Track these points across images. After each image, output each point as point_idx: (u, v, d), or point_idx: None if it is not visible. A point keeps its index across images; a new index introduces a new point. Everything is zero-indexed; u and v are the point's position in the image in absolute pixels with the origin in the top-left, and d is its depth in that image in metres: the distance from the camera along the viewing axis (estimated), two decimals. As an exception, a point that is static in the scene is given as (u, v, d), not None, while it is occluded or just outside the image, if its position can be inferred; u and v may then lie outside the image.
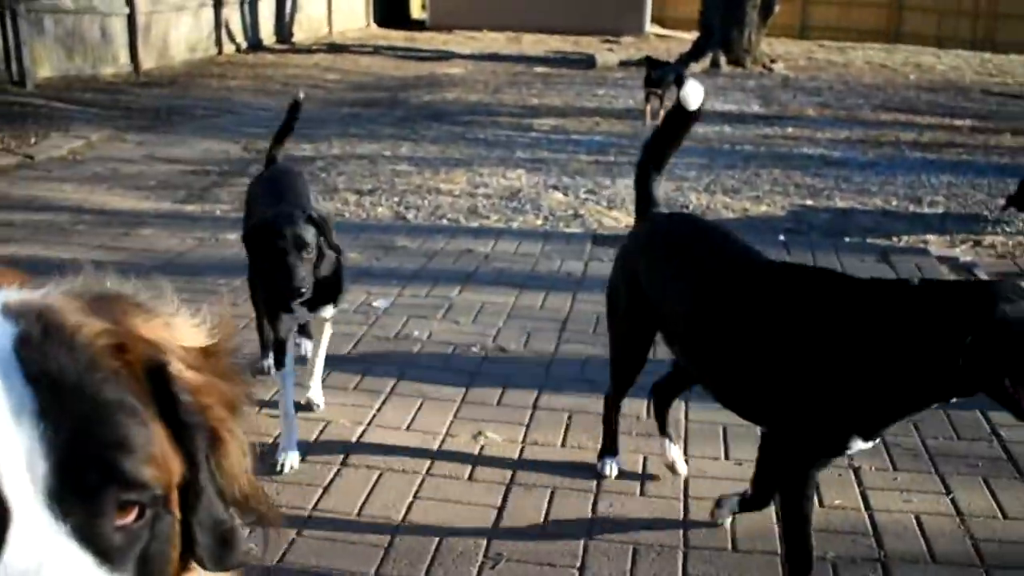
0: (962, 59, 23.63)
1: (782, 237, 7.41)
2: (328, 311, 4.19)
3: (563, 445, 4.17)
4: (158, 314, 1.10)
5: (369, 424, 4.29)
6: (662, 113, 12.57)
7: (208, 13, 18.03)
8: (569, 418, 4.40)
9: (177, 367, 1.02)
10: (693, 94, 3.68)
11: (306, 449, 4.04)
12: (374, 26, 25.29)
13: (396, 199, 8.22)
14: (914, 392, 2.79)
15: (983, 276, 6.66)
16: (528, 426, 4.31)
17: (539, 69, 18.13)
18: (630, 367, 3.79)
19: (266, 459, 3.87)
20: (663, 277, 3.51)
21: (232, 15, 18.98)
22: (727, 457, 4.10)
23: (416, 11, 28.29)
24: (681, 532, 3.55)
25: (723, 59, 19.10)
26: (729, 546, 3.48)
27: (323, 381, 4.58)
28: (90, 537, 0.90)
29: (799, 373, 2.95)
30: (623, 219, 7.90)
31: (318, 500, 3.69)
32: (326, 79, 16.09)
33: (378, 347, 5.10)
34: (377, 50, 20.27)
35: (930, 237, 7.89)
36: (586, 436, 4.21)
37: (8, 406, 0.88)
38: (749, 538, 3.52)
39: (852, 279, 3.03)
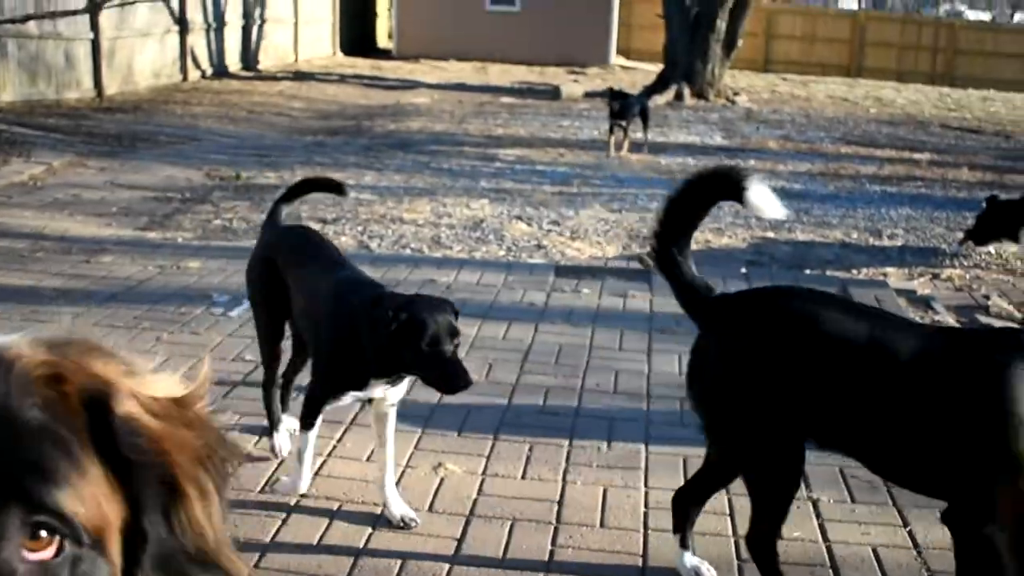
0: (921, 93, 24.03)
1: (743, 269, 7.47)
2: (403, 388, 3.83)
3: (523, 477, 4.16)
4: (123, 361, 1.04)
5: (329, 455, 4.27)
6: (626, 144, 12.71)
7: (173, 39, 18.01)
8: (530, 450, 4.39)
9: (128, 407, 0.97)
10: (769, 207, 3.24)
11: (260, 484, 4.02)
12: (340, 55, 25.34)
13: (359, 228, 8.21)
14: None
15: (940, 309, 6.76)
16: (488, 457, 4.30)
17: (505, 99, 18.23)
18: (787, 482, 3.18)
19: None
20: (814, 375, 2.97)
21: (198, 42, 18.96)
22: (687, 489, 4.10)
23: (383, 40, 28.38)
24: (640, 563, 3.56)
25: (687, 91, 19.31)
26: (688, 577, 3.48)
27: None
28: None
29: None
30: (586, 250, 7.94)
31: (277, 531, 3.66)
32: (291, 107, 16.09)
33: (339, 377, 5.07)
34: (343, 78, 20.31)
35: (889, 270, 7.99)
36: (547, 468, 4.21)
37: None
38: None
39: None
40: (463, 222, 8.60)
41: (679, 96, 19.16)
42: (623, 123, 12.47)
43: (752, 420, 3.06)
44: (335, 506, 3.85)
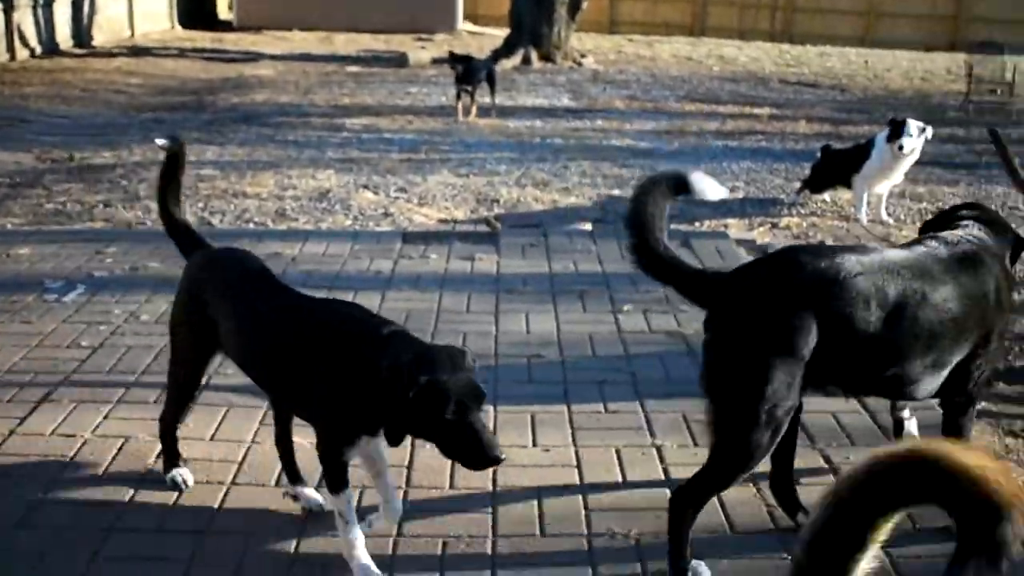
0: (762, 50, 24.63)
1: (589, 227, 7.56)
2: None
3: (372, 444, 4.13)
4: None
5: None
6: (474, 109, 12.69)
7: (-3, 17, 17.15)
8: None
9: None
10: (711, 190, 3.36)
11: (104, 468, 3.89)
12: (179, 28, 24.55)
13: (201, 204, 8.00)
14: None
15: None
16: (336, 427, 4.25)
17: (351, 68, 17.98)
18: None
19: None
20: (853, 316, 3.09)
21: (25, 18, 18.08)
22: (535, 444, 4.15)
23: (223, 11, 27.60)
24: (490, 521, 3.58)
25: (534, 55, 19.38)
26: (537, 531, 3.52)
27: (121, 398, 4.44)
28: None
29: None
30: (434, 215, 7.92)
31: (117, 518, 3.55)
32: (128, 84, 15.52)
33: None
34: (182, 52, 19.69)
35: (730, 221, 8.21)
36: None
37: None
38: (557, 522, 3.57)
39: None
40: (308, 193, 8.46)
41: (526, 60, 19.21)
42: (469, 88, 12.44)
43: (779, 387, 3.05)
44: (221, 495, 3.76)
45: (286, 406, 3.60)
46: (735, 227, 8.03)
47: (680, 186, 3.31)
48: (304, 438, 3.73)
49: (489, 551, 3.40)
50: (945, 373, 3.32)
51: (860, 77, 20.07)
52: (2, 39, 17.31)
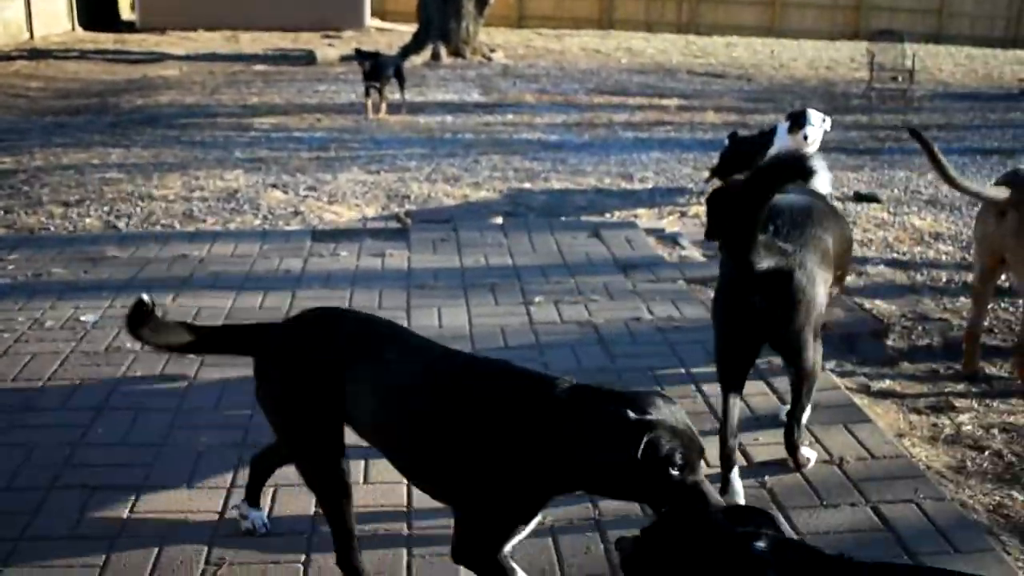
0: (669, 42, 24.97)
1: (499, 220, 7.60)
2: None
3: (285, 443, 4.12)
4: None
5: (80, 442, 4.09)
6: (383, 106, 12.65)
7: None
8: (291, 415, 4.34)
9: None
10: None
11: (10, 476, 3.82)
12: (80, 29, 24.00)
13: (106, 208, 7.85)
14: None
15: (687, 244, 7.08)
16: (247, 429, 4.23)
17: (258, 67, 17.77)
18: None
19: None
20: None
21: (-84, 23, 17.56)
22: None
23: (125, 11, 27.04)
24: (405, 515, 3.59)
25: (443, 50, 19.38)
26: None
27: (27, 405, 4.36)
28: None
29: None
30: (344, 213, 7.89)
31: (26, 526, 3.49)
32: (28, 87, 15.15)
33: (87, 362, 4.87)
34: (84, 54, 19.26)
35: (640, 211, 8.32)
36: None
37: None
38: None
39: None
40: (216, 194, 8.36)
41: (436, 55, 19.21)
42: (377, 84, 12.40)
43: None
44: (87, 495, 3.70)
45: (434, 494, 2.89)
46: (644, 216, 8.15)
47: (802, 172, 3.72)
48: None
49: (404, 554, 3.42)
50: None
51: (766, 67, 20.45)
52: None
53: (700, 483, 2.40)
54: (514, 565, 2.73)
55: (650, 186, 9.32)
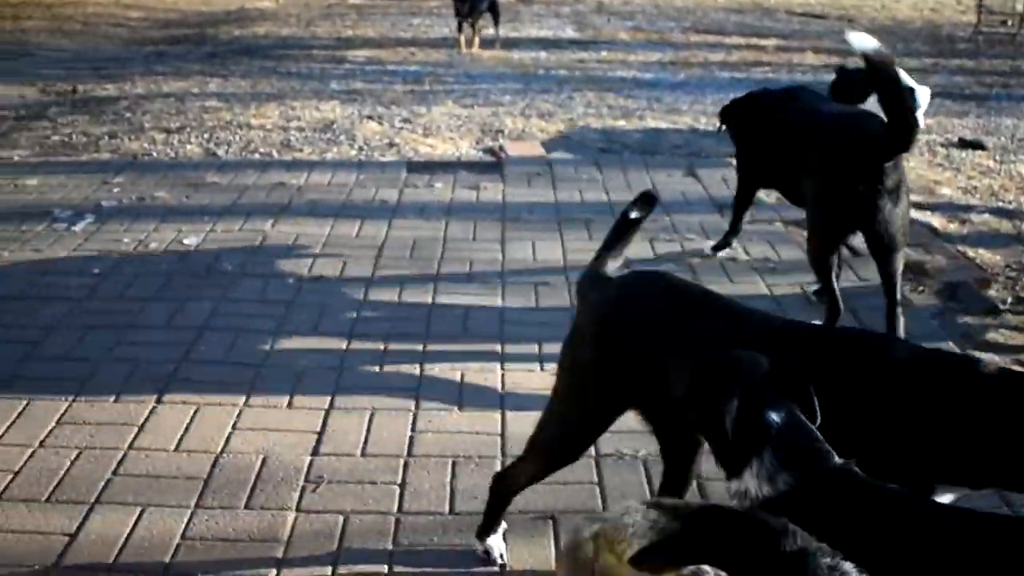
0: (767, -19, 24.33)
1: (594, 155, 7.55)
2: None
3: (381, 369, 4.19)
4: None
5: (183, 360, 4.21)
6: (476, 41, 12.59)
7: (-4, -50, 16.95)
8: (386, 341, 4.41)
9: None
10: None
11: (117, 390, 3.95)
12: (179, -39, 24.24)
13: (205, 136, 7.98)
14: None
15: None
16: (346, 350, 4.31)
17: (353, 1, 17.80)
18: None
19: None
20: None
21: (22, -48, 17.89)
22: (543, 369, 4.19)
23: (223, -56, 27.21)
24: (499, 443, 3.63)
25: (537, -14, 19.16)
26: (545, 452, 3.58)
27: (130, 323, 4.50)
28: None
29: None
30: (439, 146, 7.90)
31: (133, 439, 3.61)
32: (129, 17, 15.39)
33: (191, 283, 4.99)
34: (183, -15, 19.47)
35: (736, 151, 8.17)
36: (403, 357, 4.25)
37: None
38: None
39: None
40: (313, 124, 8.43)
41: (530, -9, 19.01)
42: (470, 20, 12.37)
43: None
44: (191, 411, 3.81)
45: None
46: (740, 157, 8.01)
47: None
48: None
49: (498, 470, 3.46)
50: None
51: (868, 8, 19.85)
52: (0, -28, 17.14)
53: None
54: None
55: (746, 126, 9.14)
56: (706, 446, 2.27)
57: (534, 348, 4.37)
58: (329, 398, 3.92)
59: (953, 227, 6.15)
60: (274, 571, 2.93)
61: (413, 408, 3.86)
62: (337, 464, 3.48)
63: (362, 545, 3.06)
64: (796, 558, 1.81)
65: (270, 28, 14.38)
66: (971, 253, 5.85)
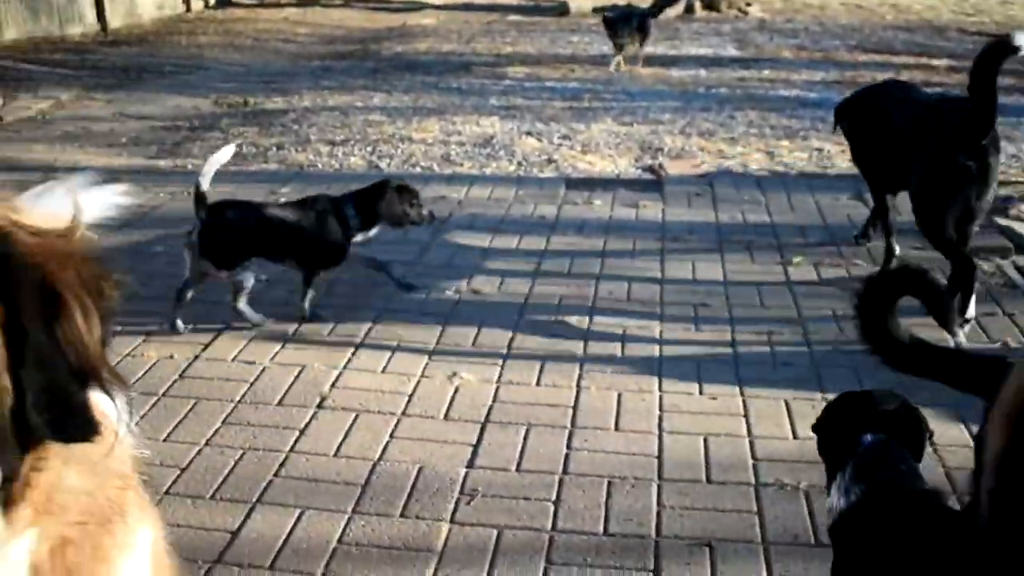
0: (938, -1, 23.52)
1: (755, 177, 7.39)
2: None
3: (538, 384, 4.17)
4: (8, 201, 1.18)
5: (344, 368, 4.28)
6: (640, 58, 12.54)
7: (176, -30, 17.79)
8: (543, 357, 4.39)
9: (12, 231, 1.09)
10: None
11: (282, 393, 4.04)
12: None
13: (369, 148, 8.16)
14: None
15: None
16: (503, 366, 4.31)
17: (512, 17, 17.98)
18: None
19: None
20: None
21: (200, -29, 18.72)
22: (701, 392, 4.10)
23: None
24: (656, 464, 3.57)
25: (697, 4, 18.97)
26: (703, 478, 3.49)
27: (296, 331, 4.60)
28: None
29: None
30: (597, 163, 7.86)
31: (295, 442, 3.69)
32: (296, 33, 15.91)
33: (351, 292, 5.08)
34: (347, 3, 20.03)
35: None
36: (560, 375, 4.22)
37: None
38: (723, 470, 3.53)
39: None
40: (473, 139, 8.52)
41: (689, 9, 18.84)
42: (621, 40, 12.36)
43: None
44: (351, 418, 3.87)
45: None
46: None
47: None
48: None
49: (655, 494, 3.39)
50: None
51: (1046, 27, 18.98)
52: (179, -9, 17.96)
53: None
54: None
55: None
56: None
57: (694, 369, 4.28)
58: (485, 411, 3.92)
59: None
60: (429, 582, 2.94)
61: (569, 425, 3.83)
62: (492, 478, 3.47)
63: (515, 560, 3.04)
64: None
65: (431, 44, 14.64)
66: None
